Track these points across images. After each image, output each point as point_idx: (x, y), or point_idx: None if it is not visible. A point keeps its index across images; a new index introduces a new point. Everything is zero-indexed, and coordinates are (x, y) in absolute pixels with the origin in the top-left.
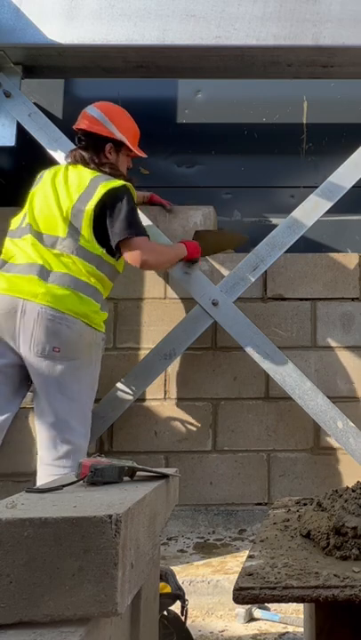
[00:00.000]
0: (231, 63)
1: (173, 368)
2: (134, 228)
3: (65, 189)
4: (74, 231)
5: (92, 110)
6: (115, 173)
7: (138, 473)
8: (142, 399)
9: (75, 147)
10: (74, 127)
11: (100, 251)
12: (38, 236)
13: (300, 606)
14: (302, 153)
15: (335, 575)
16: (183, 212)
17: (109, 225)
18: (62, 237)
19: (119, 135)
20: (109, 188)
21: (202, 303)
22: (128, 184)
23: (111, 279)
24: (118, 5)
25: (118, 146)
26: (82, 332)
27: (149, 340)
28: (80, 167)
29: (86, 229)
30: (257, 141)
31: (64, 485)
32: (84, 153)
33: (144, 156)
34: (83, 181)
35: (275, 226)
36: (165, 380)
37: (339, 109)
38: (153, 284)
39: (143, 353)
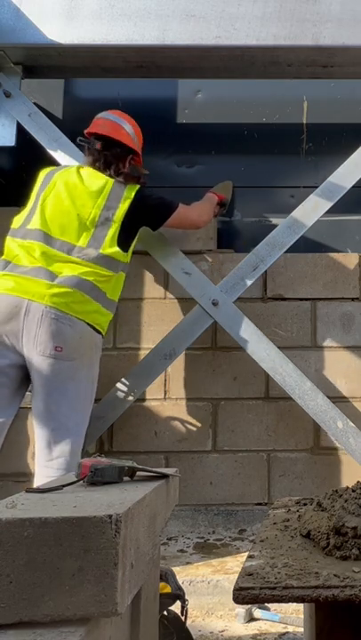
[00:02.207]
0: (231, 63)
1: (173, 368)
2: (169, 203)
3: (85, 195)
4: (95, 241)
5: (122, 122)
6: (128, 181)
7: (138, 473)
8: (142, 399)
9: (93, 149)
10: (103, 133)
11: (121, 255)
12: (50, 241)
13: (300, 606)
14: (302, 153)
15: (335, 575)
16: None
17: (147, 218)
18: (81, 246)
19: (138, 147)
20: (132, 193)
21: (202, 303)
22: (144, 185)
23: (116, 280)
24: (118, 5)
25: (133, 159)
26: (83, 332)
27: (149, 340)
28: (92, 171)
29: (111, 237)
30: (257, 141)
31: (64, 485)
32: (111, 158)
33: (146, 172)
34: (103, 188)
35: (275, 226)
36: (165, 380)
37: (339, 109)
38: (153, 283)
39: (143, 353)
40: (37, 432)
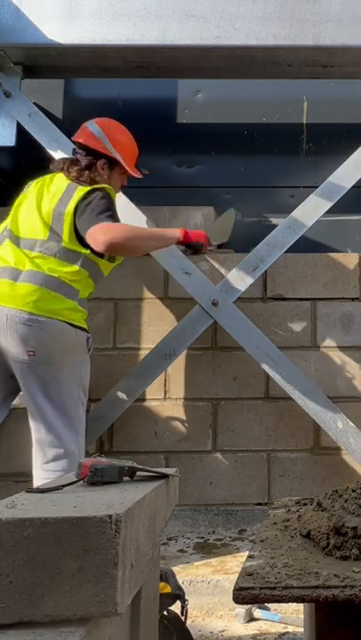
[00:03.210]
0: (231, 63)
1: (173, 368)
2: (102, 215)
3: (47, 195)
4: (55, 234)
5: (91, 125)
6: (79, 177)
7: (138, 473)
8: (142, 399)
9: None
10: (72, 139)
11: (85, 251)
12: (16, 240)
13: (300, 606)
14: (302, 153)
15: (335, 575)
16: (183, 213)
17: (77, 221)
18: (43, 240)
19: (114, 152)
20: (87, 190)
21: (202, 303)
22: (107, 187)
23: (94, 279)
24: (118, 5)
25: (113, 163)
26: (58, 331)
27: (149, 340)
28: (61, 175)
29: (67, 232)
30: (257, 141)
31: (64, 485)
32: (69, 165)
33: (139, 176)
34: (61, 187)
35: (275, 226)
36: (165, 380)
37: (339, 109)
38: (153, 283)
39: (143, 353)
40: (32, 435)
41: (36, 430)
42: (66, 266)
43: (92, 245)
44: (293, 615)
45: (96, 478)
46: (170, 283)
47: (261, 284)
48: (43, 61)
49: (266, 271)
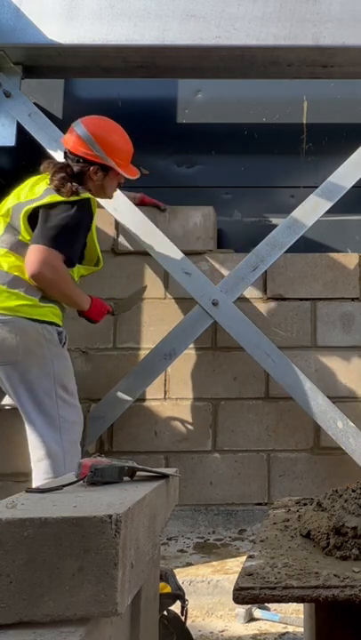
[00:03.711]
0: (231, 63)
1: (173, 368)
2: (53, 240)
3: (27, 191)
4: (12, 227)
5: (78, 127)
6: (59, 187)
7: (138, 473)
8: (142, 399)
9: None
10: (62, 140)
11: None
12: None
13: (300, 606)
14: (302, 153)
15: (335, 575)
16: (183, 213)
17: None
18: (1, 234)
19: (106, 159)
20: (58, 199)
21: (202, 303)
22: (85, 198)
23: None
24: (118, 5)
25: (107, 167)
26: (20, 329)
27: (149, 340)
28: (45, 177)
29: (23, 226)
30: (257, 141)
31: (64, 485)
32: (56, 171)
33: (134, 177)
34: (38, 192)
35: (275, 226)
36: (165, 380)
37: (339, 109)
38: (153, 284)
39: (143, 353)
40: None
41: (27, 430)
42: (23, 262)
43: (25, 262)
44: (293, 615)
45: (96, 478)
46: (170, 283)
47: (261, 284)
48: (43, 61)
49: (266, 271)
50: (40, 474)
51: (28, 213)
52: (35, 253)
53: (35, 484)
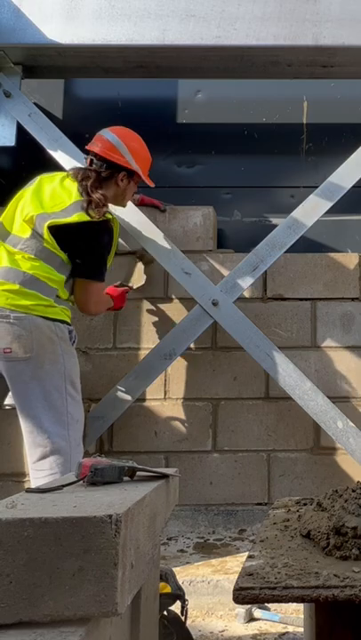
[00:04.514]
0: (231, 63)
1: (173, 368)
2: (98, 272)
3: (49, 197)
4: (37, 233)
5: (108, 134)
6: (97, 206)
7: (138, 473)
8: (142, 399)
9: (84, 165)
10: (87, 147)
11: (62, 255)
12: (6, 236)
13: (300, 606)
14: (302, 153)
15: (335, 575)
16: (183, 213)
17: (77, 254)
18: (25, 238)
19: (135, 166)
20: (87, 220)
21: (202, 303)
22: (113, 221)
23: (67, 286)
24: (118, 5)
25: (131, 174)
26: (35, 326)
27: (149, 340)
28: (71, 183)
29: (48, 235)
30: (257, 141)
31: (64, 485)
32: (92, 175)
33: (152, 185)
34: (66, 201)
35: (275, 226)
36: (165, 380)
37: (339, 109)
38: (153, 284)
39: (143, 353)
40: (23, 435)
41: (24, 430)
42: (45, 267)
43: (77, 297)
44: (293, 615)
45: (96, 478)
46: (170, 283)
47: (261, 284)
48: (43, 61)
49: (266, 271)
50: (41, 472)
51: (54, 226)
52: (87, 293)
53: (40, 482)
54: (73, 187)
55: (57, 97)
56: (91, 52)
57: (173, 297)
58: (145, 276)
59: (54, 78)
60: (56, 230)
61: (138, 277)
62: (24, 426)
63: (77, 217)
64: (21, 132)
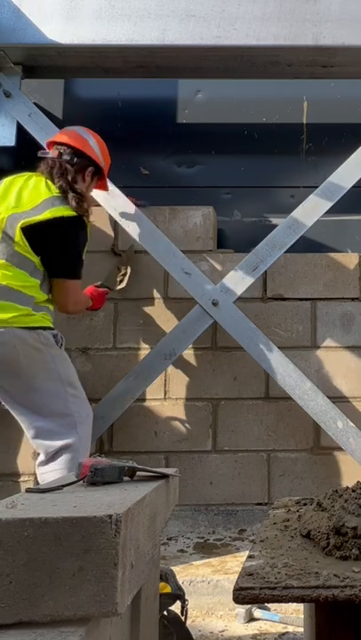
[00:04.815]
0: (231, 63)
1: (173, 368)
2: (74, 270)
3: (16, 198)
4: (7, 236)
5: (77, 128)
6: (79, 202)
7: (138, 473)
8: (142, 399)
9: (50, 157)
10: (55, 139)
11: (35, 258)
12: None
13: (300, 606)
14: (302, 153)
15: (335, 575)
16: (183, 213)
17: (52, 253)
18: None
19: (102, 161)
20: (62, 215)
21: (202, 303)
22: (84, 218)
23: (43, 288)
24: (118, 5)
25: (96, 172)
26: (18, 339)
27: (149, 340)
28: (41, 180)
29: (20, 237)
30: (257, 141)
31: (64, 485)
32: (68, 167)
33: (107, 190)
34: (36, 199)
35: (275, 226)
36: (165, 380)
37: (339, 109)
38: (153, 284)
39: (143, 353)
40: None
41: (30, 437)
42: (18, 272)
43: (55, 296)
44: (293, 615)
45: (96, 478)
46: (170, 283)
47: (261, 284)
48: (43, 61)
49: (266, 271)
50: (50, 474)
51: (27, 226)
52: (66, 292)
53: (51, 478)
54: (40, 184)
55: (57, 97)
56: (91, 52)
57: (173, 297)
58: (127, 278)
59: (54, 78)
60: (30, 230)
61: (120, 278)
62: (29, 432)
63: (50, 213)
64: (21, 132)
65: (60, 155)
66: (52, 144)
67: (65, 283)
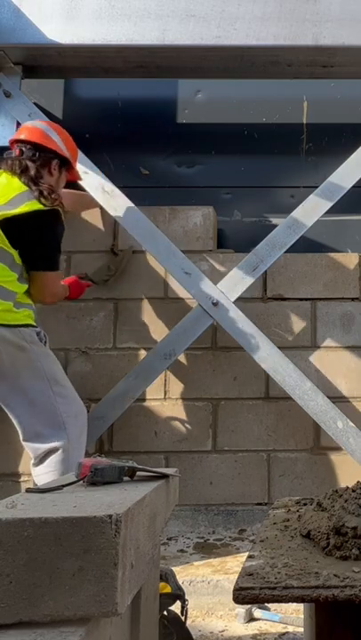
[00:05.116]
0: (231, 63)
1: (173, 368)
2: (52, 262)
3: None
4: None
5: (37, 123)
6: (49, 194)
7: (138, 473)
8: (142, 399)
9: (13, 156)
10: (14, 138)
11: (13, 252)
12: None
13: (300, 606)
14: (302, 153)
15: (335, 575)
16: (183, 213)
17: (30, 246)
18: None
19: (66, 152)
20: (37, 208)
21: (202, 303)
22: (58, 209)
23: (21, 281)
24: (118, 5)
25: (62, 164)
26: (0, 338)
27: (149, 340)
28: (9, 177)
29: (1, 234)
30: (257, 141)
31: (64, 485)
32: (29, 163)
33: (80, 179)
34: (9, 193)
35: (275, 226)
36: (165, 380)
37: (339, 109)
38: (153, 284)
39: (143, 353)
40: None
41: (20, 436)
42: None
43: (33, 288)
44: (293, 615)
45: (96, 478)
46: (170, 283)
47: (261, 284)
48: (43, 61)
49: (266, 271)
50: (49, 473)
51: (3, 220)
52: (44, 285)
53: (43, 481)
54: (13, 180)
55: (57, 97)
56: (91, 52)
57: (173, 297)
58: (113, 278)
59: (54, 78)
60: (6, 224)
61: (107, 278)
62: (20, 433)
63: (27, 207)
64: None
65: (22, 152)
66: (14, 143)
67: (44, 275)
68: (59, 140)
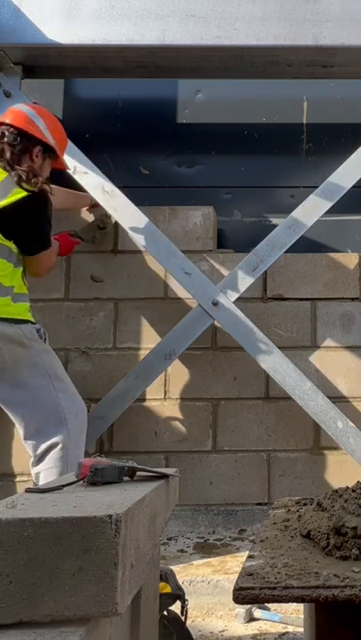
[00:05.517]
0: (231, 63)
1: (173, 368)
2: (46, 242)
3: None
4: None
5: (24, 108)
6: (29, 178)
7: (138, 473)
8: (142, 399)
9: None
10: (11, 123)
11: (9, 244)
12: None
13: (300, 606)
14: (302, 153)
15: (335, 575)
16: (183, 213)
17: (22, 234)
18: None
19: (51, 140)
20: (22, 196)
21: (202, 303)
22: (45, 192)
23: (17, 266)
24: (118, 5)
25: (46, 151)
26: (1, 334)
27: (149, 340)
28: None
29: None
30: (257, 141)
31: (64, 485)
32: (7, 149)
33: (67, 169)
34: None
35: (275, 226)
36: (165, 380)
37: (339, 109)
38: (153, 284)
39: (143, 353)
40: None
41: (20, 433)
42: None
43: (29, 269)
44: (293, 615)
45: (96, 478)
46: (170, 283)
47: (261, 284)
48: (43, 61)
49: (266, 271)
50: (50, 469)
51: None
52: (40, 264)
53: (42, 479)
54: None
55: (57, 97)
56: (91, 52)
57: (173, 297)
58: (106, 235)
59: (54, 78)
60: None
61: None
62: (20, 432)
63: (12, 196)
64: None
65: (3, 135)
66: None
67: (41, 256)
68: (44, 127)
